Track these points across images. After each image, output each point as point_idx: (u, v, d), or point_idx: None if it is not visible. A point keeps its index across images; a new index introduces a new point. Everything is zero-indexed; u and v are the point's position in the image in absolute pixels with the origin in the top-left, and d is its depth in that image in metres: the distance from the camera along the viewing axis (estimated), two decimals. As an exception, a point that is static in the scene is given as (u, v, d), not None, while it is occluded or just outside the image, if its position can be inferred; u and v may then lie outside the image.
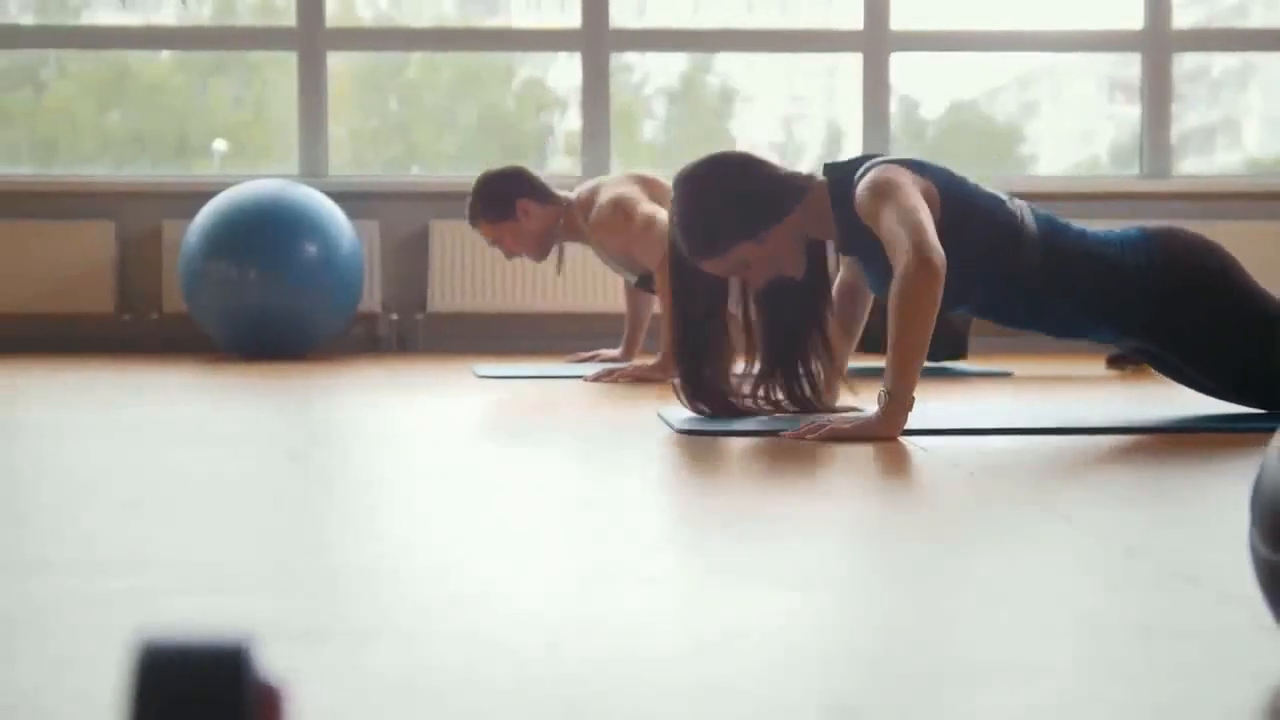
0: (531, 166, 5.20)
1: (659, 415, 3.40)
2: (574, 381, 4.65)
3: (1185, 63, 7.53)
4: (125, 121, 7.62)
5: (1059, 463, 2.73)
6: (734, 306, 3.37)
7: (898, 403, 2.98)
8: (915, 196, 3.09)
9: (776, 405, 3.37)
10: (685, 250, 3.27)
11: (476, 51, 7.18)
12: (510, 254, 5.11)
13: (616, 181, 4.99)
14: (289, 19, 6.70)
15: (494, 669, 1.29)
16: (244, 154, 7.41)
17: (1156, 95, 6.76)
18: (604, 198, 4.89)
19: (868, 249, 3.20)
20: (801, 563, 1.79)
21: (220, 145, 7.42)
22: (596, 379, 4.63)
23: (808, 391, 3.36)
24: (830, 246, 3.38)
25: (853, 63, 6.78)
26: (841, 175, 3.25)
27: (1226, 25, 7.72)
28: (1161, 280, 3.20)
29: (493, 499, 2.31)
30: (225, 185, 6.02)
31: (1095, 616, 1.50)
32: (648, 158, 7.60)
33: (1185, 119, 7.82)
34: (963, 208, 3.19)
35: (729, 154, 3.36)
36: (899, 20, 6.69)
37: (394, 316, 6.52)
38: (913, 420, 3.02)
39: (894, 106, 7.00)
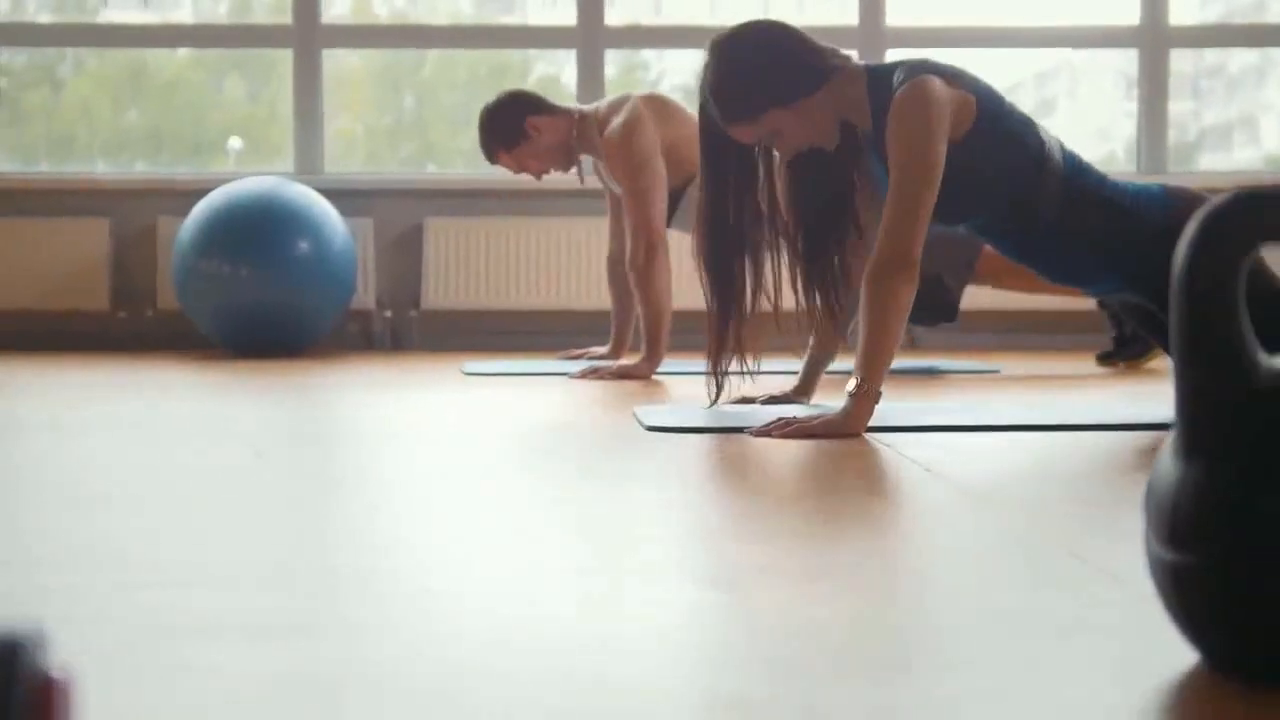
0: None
1: (634, 414, 3.40)
2: (559, 379, 4.65)
3: (1206, 59, 7.49)
4: (142, 119, 7.62)
5: (1020, 458, 2.72)
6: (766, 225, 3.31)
7: (865, 396, 2.97)
8: (939, 138, 3.04)
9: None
10: (717, 114, 3.19)
11: (473, 49, 7.17)
12: (539, 174, 5.10)
13: (635, 106, 4.94)
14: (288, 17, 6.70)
15: (482, 664, 1.29)
16: (258, 151, 7.41)
17: (1153, 92, 6.73)
18: (620, 119, 4.87)
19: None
20: (733, 560, 1.79)
21: (236, 143, 7.43)
22: (581, 376, 4.63)
23: (837, 290, 3.35)
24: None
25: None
26: (880, 75, 3.17)
27: (1245, 21, 7.64)
28: (1174, 246, 3.14)
29: (457, 499, 2.31)
30: (220, 182, 6.01)
31: (1014, 612, 1.49)
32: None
33: (1204, 116, 7.78)
34: (995, 122, 3.14)
35: (766, 20, 3.28)
36: (895, 17, 6.65)
37: (388, 314, 6.51)
38: (884, 417, 3.01)
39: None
